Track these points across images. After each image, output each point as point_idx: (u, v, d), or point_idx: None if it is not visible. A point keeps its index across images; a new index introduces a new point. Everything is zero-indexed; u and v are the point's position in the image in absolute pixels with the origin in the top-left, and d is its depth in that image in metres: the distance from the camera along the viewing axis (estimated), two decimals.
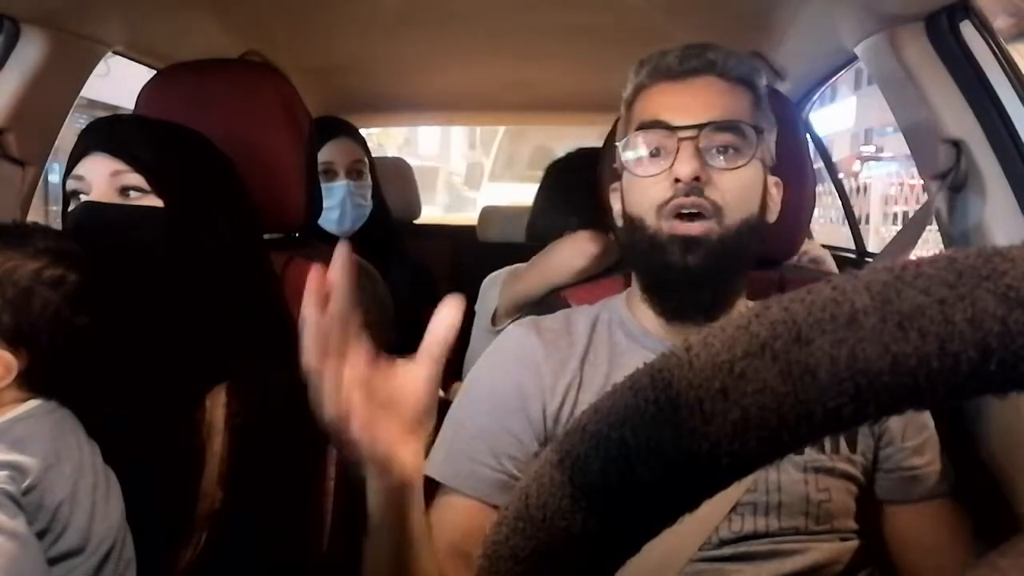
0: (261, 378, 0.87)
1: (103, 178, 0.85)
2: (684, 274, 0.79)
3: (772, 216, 0.86)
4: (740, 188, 0.80)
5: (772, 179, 0.86)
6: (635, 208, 0.83)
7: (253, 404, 0.86)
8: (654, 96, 0.84)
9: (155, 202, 0.85)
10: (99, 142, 0.86)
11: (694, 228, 0.79)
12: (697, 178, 0.78)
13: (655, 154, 0.82)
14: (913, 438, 0.85)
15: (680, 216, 0.79)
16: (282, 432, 0.87)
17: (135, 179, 0.85)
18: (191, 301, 0.86)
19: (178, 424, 0.84)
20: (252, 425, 0.85)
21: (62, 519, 0.69)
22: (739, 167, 0.80)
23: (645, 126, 0.82)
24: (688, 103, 0.81)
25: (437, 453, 0.84)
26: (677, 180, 0.78)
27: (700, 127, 0.79)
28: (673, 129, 0.80)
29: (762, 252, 0.88)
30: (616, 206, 0.90)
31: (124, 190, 0.85)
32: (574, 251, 1.20)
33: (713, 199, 0.79)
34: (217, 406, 0.86)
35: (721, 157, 0.80)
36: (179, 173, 0.87)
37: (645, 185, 0.82)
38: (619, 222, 0.89)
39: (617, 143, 0.87)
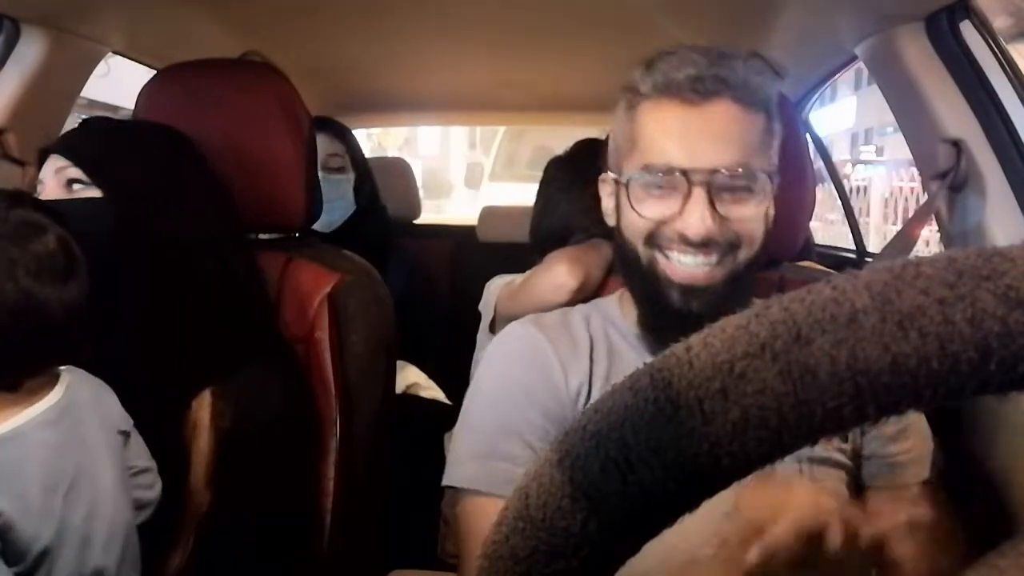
0: (250, 379, 0.87)
1: (51, 176, 0.88)
2: (687, 319, 0.77)
3: (770, 223, 0.84)
4: (749, 230, 0.78)
5: None
6: (628, 232, 0.82)
7: (241, 405, 0.85)
8: (662, 120, 0.78)
9: (96, 193, 0.87)
10: (54, 146, 0.90)
11: (698, 277, 0.77)
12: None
13: (661, 186, 0.78)
14: (893, 424, 0.84)
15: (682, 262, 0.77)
16: (274, 433, 0.87)
17: (75, 172, 0.87)
18: (159, 294, 0.86)
19: (162, 423, 0.83)
20: (240, 426, 0.85)
21: (47, 563, 0.66)
22: (749, 214, 0.77)
23: (653, 168, 0.78)
24: (700, 138, 0.76)
25: (462, 459, 0.82)
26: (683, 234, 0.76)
27: (713, 172, 0.75)
28: (684, 173, 0.76)
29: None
30: (606, 202, 0.88)
31: (69, 183, 0.88)
32: (553, 287, 1.12)
33: (726, 239, 0.77)
34: (202, 406, 0.85)
35: (732, 199, 0.77)
36: (118, 162, 0.88)
37: (647, 222, 0.79)
38: (610, 221, 0.88)
39: (611, 172, 0.84)
